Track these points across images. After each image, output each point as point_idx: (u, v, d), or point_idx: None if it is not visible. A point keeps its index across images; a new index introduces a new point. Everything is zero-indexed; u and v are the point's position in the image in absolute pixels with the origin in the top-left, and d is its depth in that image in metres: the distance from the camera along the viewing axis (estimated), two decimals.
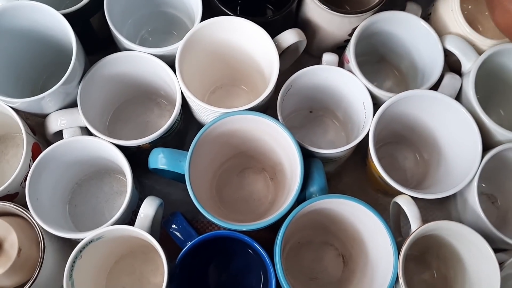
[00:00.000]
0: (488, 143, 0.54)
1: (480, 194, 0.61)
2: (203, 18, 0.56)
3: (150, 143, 0.53)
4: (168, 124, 0.53)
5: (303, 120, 0.64)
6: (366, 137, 0.54)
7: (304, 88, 0.58)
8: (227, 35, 0.57)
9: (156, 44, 0.64)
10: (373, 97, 0.55)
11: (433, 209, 0.62)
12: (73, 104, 0.54)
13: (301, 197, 0.52)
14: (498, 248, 0.53)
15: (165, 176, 0.57)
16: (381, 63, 0.66)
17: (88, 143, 0.53)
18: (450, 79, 0.56)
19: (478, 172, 0.52)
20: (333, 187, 0.63)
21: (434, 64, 0.57)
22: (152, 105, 0.63)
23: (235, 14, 0.56)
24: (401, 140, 0.62)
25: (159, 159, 0.52)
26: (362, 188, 0.63)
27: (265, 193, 0.60)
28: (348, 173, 0.63)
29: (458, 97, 0.57)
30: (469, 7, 0.64)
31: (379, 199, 0.62)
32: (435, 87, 0.57)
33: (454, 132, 0.55)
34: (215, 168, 0.60)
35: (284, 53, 0.60)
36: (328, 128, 0.64)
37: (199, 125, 0.56)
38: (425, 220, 0.51)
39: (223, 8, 0.55)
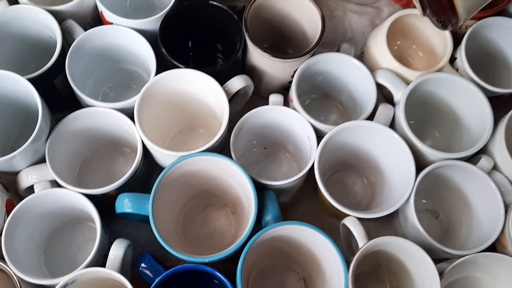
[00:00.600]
0: (423, 164, 0.60)
1: (424, 210, 0.67)
2: (158, 72, 0.62)
3: (115, 189, 0.58)
4: (131, 171, 0.57)
5: (258, 156, 0.69)
6: (313, 167, 0.59)
7: (256, 127, 0.64)
8: (181, 85, 0.62)
9: (118, 98, 0.69)
10: (317, 130, 0.61)
11: (383, 228, 0.67)
12: (42, 160, 0.59)
13: (259, 228, 0.56)
14: (441, 258, 0.59)
15: (133, 220, 0.61)
16: (325, 99, 0.72)
17: (58, 195, 0.58)
18: (384, 109, 0.62)
19: (413, 191, 0.57)
20: (290, 216, 0.68)
21: (369, 97, 0.63)
22: (117, 154, 0.68)
23: (188, 66, 0.61)
24: (349, 167, 0.68)
25: (125, 204, 0.57)
26: (317, 214, 0.68)
27: (228, 227, 0.65)
28: (303, 202, 0.68)
29: (393, 124, 0.63)
30: (398, 42, 0.72)
31: (333, 223, 0.67)
32: (372, 116, 0.63)
33: (391, 156, 0.61)
34: (179, 207, 0.64)
35: (235, 97, 0.66)
36: (282, 161, 0.69)
37: (162, 170, 0.61)
38: (374, 237, 0.56)
39: (174, 62, 0.61)
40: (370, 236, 0.57)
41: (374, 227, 0.67)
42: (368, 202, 0.67)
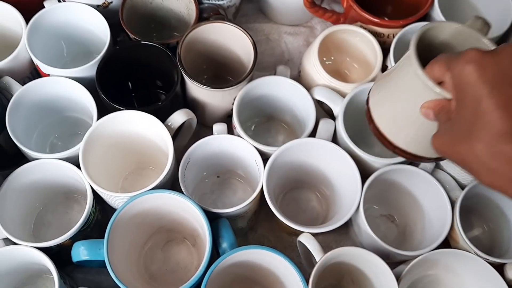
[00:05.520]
0: (369, 172, 0.61)
1: (379, 216, 0.69)
2: (101, 116, 0.62)
3: (70, 239, 0.58)
4: (82, 219, 0.57)
5: (212, 185, 0.70)
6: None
7: (203, 158, 0.64)
8: (124, 127, 0.63)
9: (66, 146, 0.68)
10: (263, 153, 0.62)
11: (342, 239, 0.68)
12: None
13: (218, 256, 0.57)
14: (399, 260, 0.60)
15: (94, 266, 0.61)
16: (271, 121, 0.73)
17: (11, 253, 0.57)
18: (324, 124, 0.64)
19: (361, 199, 0.59)
20: (250, 240, 0.68)
21: (308, 114, 0.64)
22: (71, 202, 0.68)
23: (132, 106, 0.62)
24: (301, 184, 0.69)
25: (81, 252, 0.57)
26: (277, 235, 0.69)
27: (190, 260, 0.65)
28: (262, 224, 0.69)
29: (336, 137, 0.65)
30: (332, 58, 0.74)
31: (293, 241, 0.67)
32: (315, 131, 0.64)
33: (337, 168, 0.63)
34: (138, 248, 0.64)
35: (180, 130, 0.67)
36: (236, 188, 0.70)
37: None
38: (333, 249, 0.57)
39: (113, 105, 0.61)
40: (330, 248, 0.58)
41: (334, 240, 0.68)
42: (324, 216, 0.68)
